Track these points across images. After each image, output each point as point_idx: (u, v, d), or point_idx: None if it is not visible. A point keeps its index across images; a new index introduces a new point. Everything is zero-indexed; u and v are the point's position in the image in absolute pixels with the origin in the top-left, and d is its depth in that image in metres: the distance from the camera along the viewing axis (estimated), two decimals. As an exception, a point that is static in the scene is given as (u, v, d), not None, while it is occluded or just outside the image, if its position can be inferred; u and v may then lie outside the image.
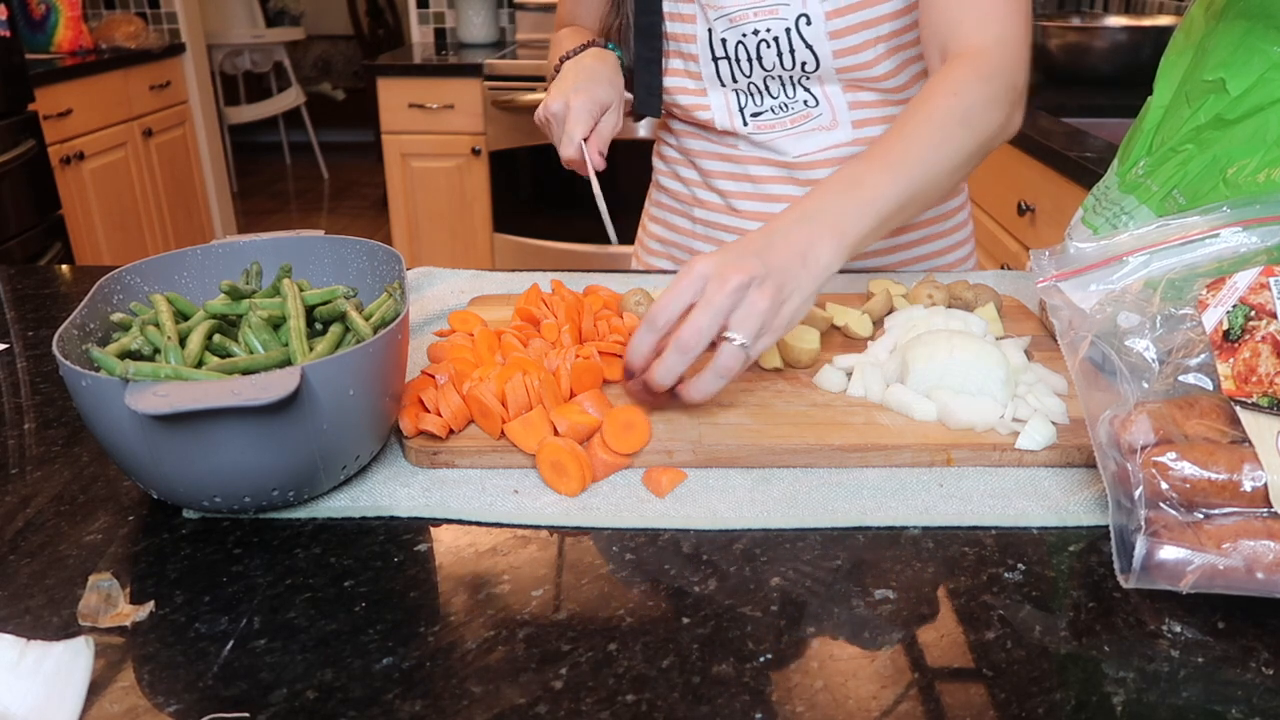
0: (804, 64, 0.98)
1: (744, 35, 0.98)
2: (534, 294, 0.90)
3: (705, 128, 1.08)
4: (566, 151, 0.97)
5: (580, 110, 0.96)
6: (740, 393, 0.76)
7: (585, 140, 0.96)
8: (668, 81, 1.07)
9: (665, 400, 0.72)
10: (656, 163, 1.21)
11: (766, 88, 1.02)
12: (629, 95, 1.08)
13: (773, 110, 1.03)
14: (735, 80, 1.02)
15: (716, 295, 0.66)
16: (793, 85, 1.01)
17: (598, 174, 0.98)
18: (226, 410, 0.55)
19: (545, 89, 1.09)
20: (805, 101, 1.02)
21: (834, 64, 0.97)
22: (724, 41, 1.00)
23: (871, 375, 0.76)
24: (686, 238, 1.16)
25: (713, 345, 0.68)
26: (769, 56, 0.98)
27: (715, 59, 1.01)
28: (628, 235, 1.32)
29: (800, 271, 0.69)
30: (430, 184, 3.27)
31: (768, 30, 0.97)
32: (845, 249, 0.72)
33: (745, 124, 1.04)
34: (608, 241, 1.01)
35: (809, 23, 0.95)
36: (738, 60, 1.00)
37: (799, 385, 0.78)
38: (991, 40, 0.85)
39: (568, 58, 1.05)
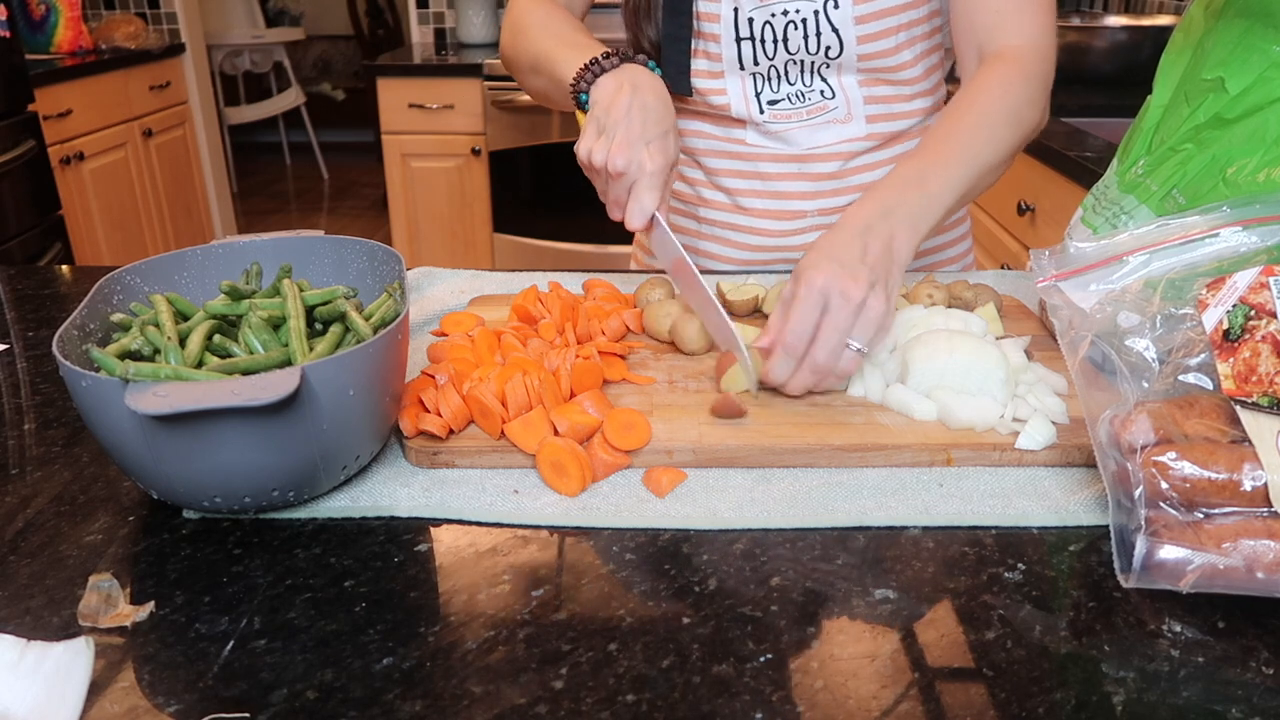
0: (828, 48, 0.98)
1: (772, 15, 0.98)
2: (531, 293, 0.90)
3: (715, 119, 1.08)
4: (635, 224, 0.83)
5: (657, 176, 0.82)
6: (743, 392, 0.76)
7: (658, 209, 0.83)
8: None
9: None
10: None
11: (786, 73, 1.02)
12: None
13: (789, 99, 1.03)
14: (756, 63, 1.01)
15: (841, 314, 0.72)
16: (812, 73, 1.01)
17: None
18: (226, 410, 0.55)
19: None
20: (822, 92, 1.02)
21: (857, 50, 0.98)
22: (751, 21, 0.99)
23: (871, 375, 0.76)
24: (692, 238, 1.16)
25: None
26: (795, 39, 0.98)
27: (739, 40, 1.00)
28: (627, 234, 1.32)
29: (892, 266, 0.75)
30: (430, 184, 3.27)
31: (796, 11, 0.97)
32: (918, 243, 0.78)
33: (761, 111, 1.04)
34: (609, 241, 0.99)
35: (836, 6, 0.96)
36: (762, 41, 0.99)
37: (799, 385, 0.78)
38: (1028, 42, 0.91)
39: (602, 70, 0.88)
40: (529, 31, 1.01)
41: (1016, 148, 0.89)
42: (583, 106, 0.89)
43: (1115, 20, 2.52)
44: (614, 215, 0.86)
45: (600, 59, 0.89)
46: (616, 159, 0.81)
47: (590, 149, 0.84)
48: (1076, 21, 2.52)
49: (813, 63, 1.00)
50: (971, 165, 0.83)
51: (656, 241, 0.85)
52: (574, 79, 0.89)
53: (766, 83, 1.02)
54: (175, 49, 3.89)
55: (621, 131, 0.82)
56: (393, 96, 3.18)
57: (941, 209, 0.80)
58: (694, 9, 1.01)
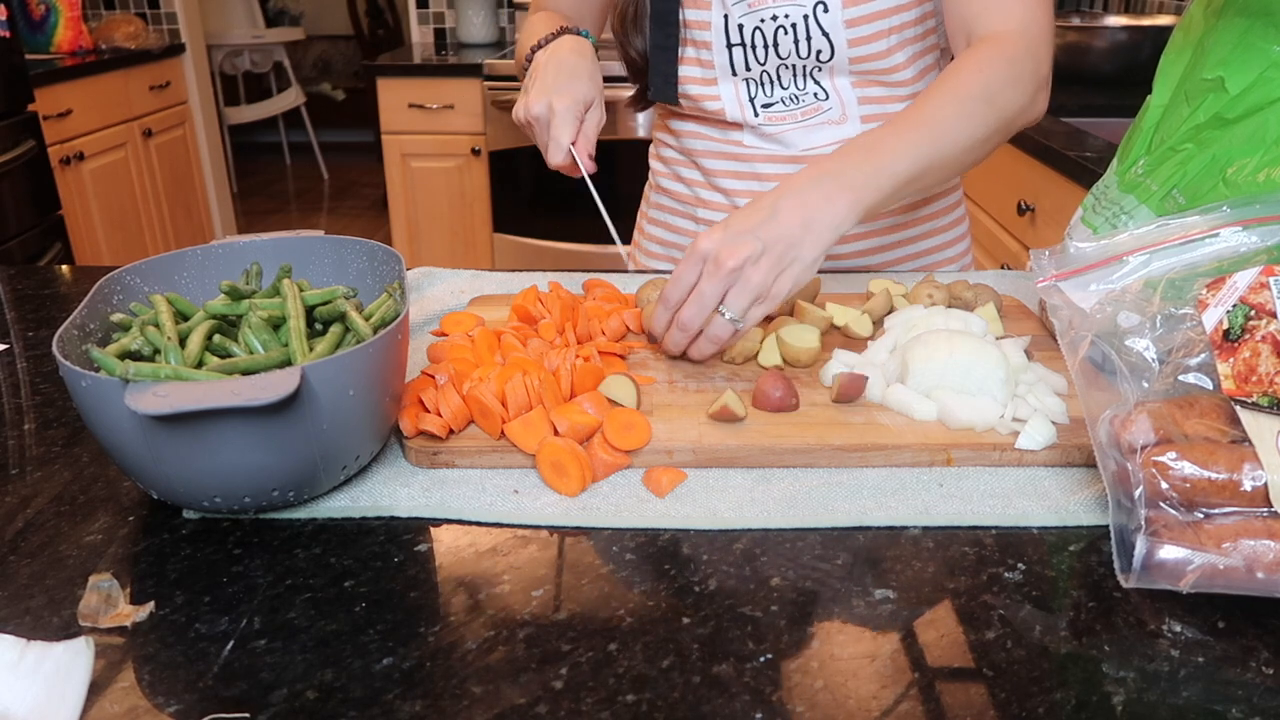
0: (819, 52, 0.98)
1: (762, 20, 0.98)
2: (531, 293, 0.90)
3: (712, 122, 1.08)
4: (555, 158, 0.94)
5: (565, 113, 0.92)
6: (740, 392, 0.76)
7: (573, 144, 0.93)
8: (680, 71, 1.06)
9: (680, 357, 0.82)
10: (655, 164, 1.20)
11: (778, 77, 1.02)
12: (604, 86, 1.06)
13: (783, 102, 1.03)
14: (748, 69, 1.02)
15: (712, 279, 0.74)
16: (804, 76, 1.01)
17: (590, 176, 0.96)
18: (226, 410, 0.55)
19: (519, 84, 1.07)
20: (815, 94, 1.02)
21: (848, 53, 0.98)
22: (740, 27, 0.99)
23: (871, 375, 0.76)
24: (689, 238, 1.16)
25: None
26: (785, 43, 0.98)
27: (730, 46, 1.01)
28: (625, 234, 1.32)
29: (803, 238, 0.74)
30: (430, 184, 3.27)
31: (785, 16, 0.97)
32: (858, 211, 0.76)
33: (756, 115, 1.04)
34: (609, 241, 1.00)
35: (826, 10, 0.96)
36: (753, 47, 1.00)
37: (799, 385, 0.78)
38: (1016, 26, 0.89)
39: (539, 47, 1.01)
40: (520, 44, 1.09)
41: (998, 127, 0.86)
42: None
43: (1115, 20, 2.52)
44: (548, 160, 0.95)
45: (542, 40, 1.01)
46: (532, 106, 0.93)
47: (516, 108, 0.96)
48: (1076, 21, 2.52)
49: (805, 66, 1.00)
50: (935, 139, 0.81)
51: (586, 178, 0.95)
52: (524, 59, 1.02)
53: (760, 87, 1.03)
54: (175, 49, 3.89)
55: (536, 85, 0.95)
56: (393, 96, 3.18)
57: (892, 179, 0.77)
58: (681, 18, 1.03)
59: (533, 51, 1.01)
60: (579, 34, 1.02)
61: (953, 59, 0.97)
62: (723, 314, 0.75)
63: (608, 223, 0.93)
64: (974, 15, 0.91)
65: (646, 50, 1.06)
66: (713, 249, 0.74)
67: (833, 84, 1.01)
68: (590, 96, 0.95)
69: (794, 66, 1.00)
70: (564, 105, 0.92)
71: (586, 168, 0.94)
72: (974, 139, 0.84)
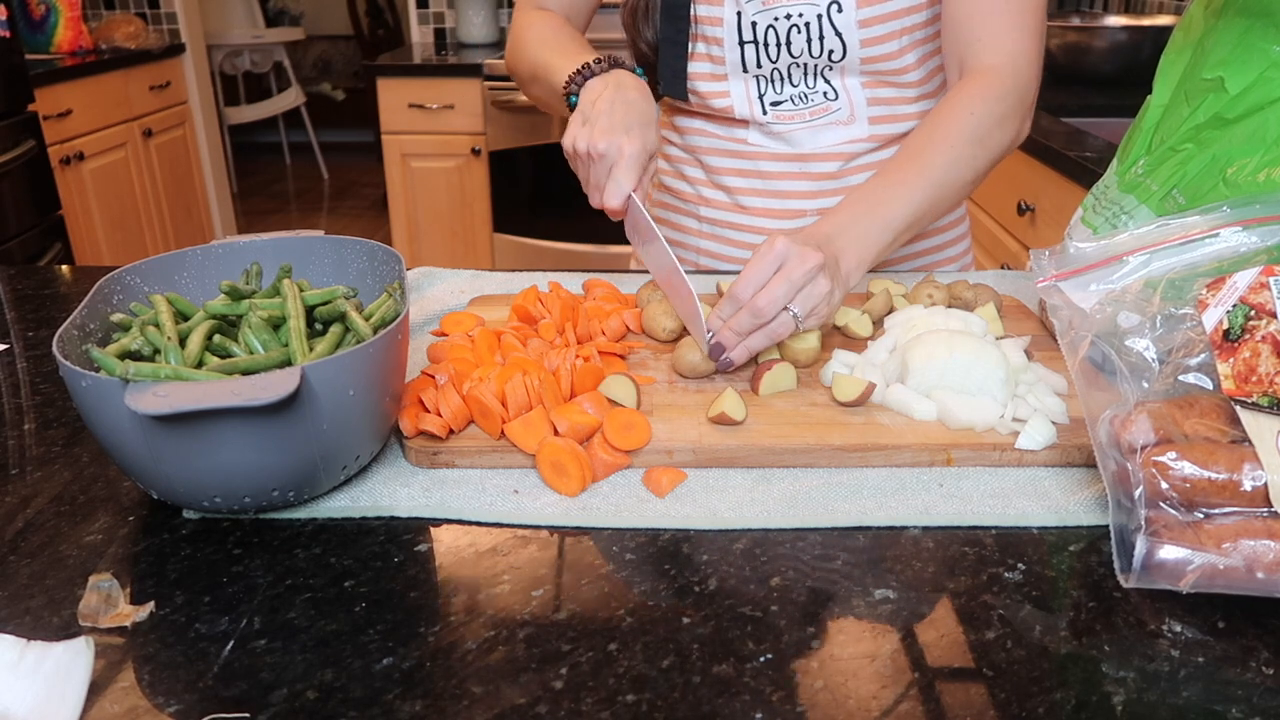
0: (831, 52, 0.98)
1: (775, 19, 0.98)
2: (531, 294, 0.90)
3: (718, 119, 1.08)
4: (613, 202, 0.87)
5: (634, 159, 0.86)
6: (741, 392, 0.76)
7: (634, 191, 0.87)
8: (689, 67, 1.05)
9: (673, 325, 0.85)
10: (659, 163, 1.21)
11: (789, 75, 1.02)
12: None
13: (792, 100, 1.03)
14: (759, 66, 1.02)
15: (796, 271, 0.76)
16: (815, 75, 1.01)
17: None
18: (226, 410, 0.55)
19: (544, 100, 1.03)
20: (825, 94, 1.02)
21: (860, 54, 0.98)
22: (754, 25, 0.99)
23: (871, 375, 0.76)
24: (693, 237, 1.16)
25: None
26: (798, 42, 0.98)
27: (742, 43, 1.01)
28: (622, 235, 1.32)
29: (837, 274, 0.80)
30: (430, 184, 3.27)
31: (800, 15, 0.97)
32: (865, 264, 0.83)
33: (764, 112, 1.04)
34: (610, 241, 0.99)
35: (840, 10, 0.96)
36: (765, 45, 1.00)
37: (799, 385, 0.78)
38: (1005, 59, 0.92)
39: (591, 74, 0.94)
40: (529, 45, 1.06)
41: (985, 166, 0.92)
42: (572, 107, 0.94)
43: (1115, 20, 2.52)
44: (594, 200, 0.90)
45: (591, 64, 0.94)
46: (598, 142, 0.87)
47: (574, 136, 0.90)
48: (1076, 21, 2.52)
49: (816, 65, 1.00)
50: (930, 187, 0.87)
51: (630, 225, 0.90)
52: (565, 82, 0.95)
53: (770, 85, 1.03)
54: (175, 49, 3.89)
55: (604, 120, 0.88)
56: (393, 96, 3.18)
57: (893, 233, 0.85)
58: (693, 13, 1.02)
59: (580, 77, 0.94)
60: (635, 72, 0.96)
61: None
62: (790, 309, 0.76)
63: (685, 280, 0.82)
64: (965, 44, 0.94)
65: (656, 44, 1.06)
66: (794, 249, 0.77)
67: (843, 84, 1.01)
68: (656, 147, 0.91)
69: (805, 65, 1.00)
70: (634, 150, 0.87)
71: (648, 224, 0.86)
72: (965, 180, 0.90)
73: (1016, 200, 1.96)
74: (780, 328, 0.77)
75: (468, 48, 3.56)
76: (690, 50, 1.04)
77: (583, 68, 0.95)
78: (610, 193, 0.87)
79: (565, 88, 0.95)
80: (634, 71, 0.95)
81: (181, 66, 3.94)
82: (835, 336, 0.88)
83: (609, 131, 0.87)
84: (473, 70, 3.10)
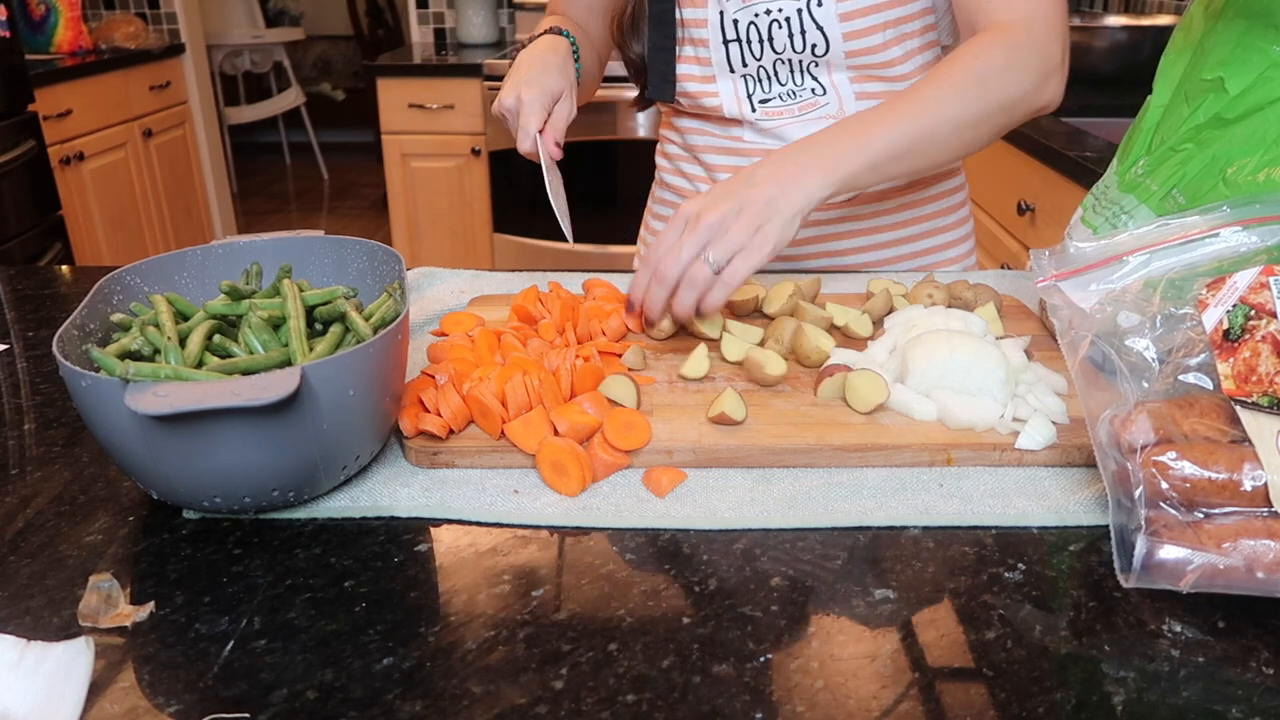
0: (814, 46, 0.99)
1: (756, 15, 0.99)
2: (531, 294, 0.90)
3: (711, 118, 1.09)
4: (523, 145, 0.96)
5: (532, 103, 0.95)
6: (741, 392, 0.76)
7: (540, 132, 0.96)
8: (678, 69, 1.07)
9: (665, 324, 0.86)
10: (660, 160, 1.21)
11: (775, 73, 1.02)
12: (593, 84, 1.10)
13: (780, 97, 1.04)
14: (745, 64, 1.03)
15: (691, 234, 0.77)
16: (801, 72, 1.02)
17: (558, 164, 0.98)
18: (226, 410, 0.55)
19: None
20: (813, 89, 1.02)
21: (843, 47, 0.98)
22: (735, 23, 1.00)
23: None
24: None
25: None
26: (780, 38, 0.99)
27: (726, 42, 1.02)
28: (631, 233, 1.32)
29: (780, 197, 0.78)
30: (430, 184, 3.27)
31: (780, 10, 0.97)
32: (834, 181, 0.80)
33: (754, 110, 1.05)
34: (610, 241, 1.01)
35: (820, 4, 0.96)
36: (748, 42, 1.01)
37: (800, 385, 0.78)
38: (1020, 17, 0.88)
39: (520, 47, 1.05)
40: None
41: (989, 111, 0.85)
42: None
43: (1115, 20, 2.52)
44: (518, 147, 0.98)
45: (527, 39, 1.05)
46: (504, 99, 0.98)
47: (494, 101, 1.00)
48: (1076, 21, 2.52)
49: (801, 61, 1.01)
50: (920, 119, 0.82)
51: (544, 167, 0.96)
52: (509, 62, 1.05)
53: (758, 83, 1.04)
54: (175, 49, 3.89)
55: (509, 81, 0.99)
56: (393, 96, 3.18)
57: (872, 154, 0.81)
58: (679, 17, 1.04)
59: (515, 53, 1.05)
60: (559, 34, 1.05)
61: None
62: (706, 257, 0.77)
63: (557, 211, 0.95)
64: (978, 9, 0.91)
65: (645, 53, 1.07)
66: (693, 210, 0.78)
67: (830, 79, 1.02)
68: (559, 88, 0.98)
69: (790, 61, 1.01)
70: (531, 95, 0.95)
71: (552, 154, 0.97)
72: (963, 119, 0.84)
73: (1016, 200, 1.96)
74: (697, 275, 0.77)
75: (468, 48, 3.56)
76: (678, 54, 1.06)
77: (516, 49, 1.06)
78: (519, 138, 0.97)
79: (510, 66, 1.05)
80: (559, 34, 1.05)
81: (181, 66, 3.94)
82: (835, 336, 0.88)
83: (512, 87, 0.98)
84: (473, 70, 3.10)
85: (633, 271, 1.15)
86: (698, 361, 0.79)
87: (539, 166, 0.96)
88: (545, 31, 1.06)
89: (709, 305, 0.79)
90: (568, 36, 1.05)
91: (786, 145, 0.83)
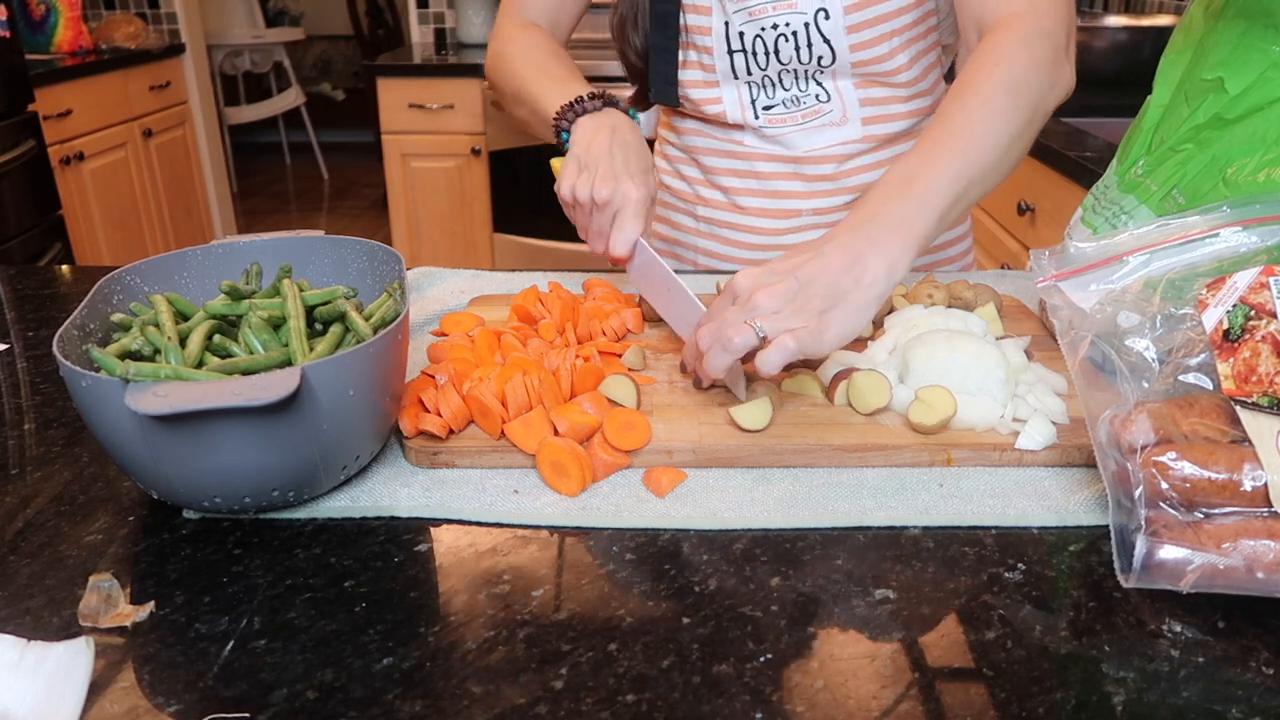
0: (820, 58, 0.98)
1: (762, 29, 0.98)
2: (531, 294, 0.90)
3: (713, 122, 1.08)
4: (620, 250, 0.85)
5: (639, 206, 0.85)
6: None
7: (641, 237, 0.86)
8: (681, 74, 1.06)
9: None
10: (658, 161, 1.21)
11: (780, 81, 1.02)
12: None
13: (784, 104, 1.03)
14: (750, 73, 1.02)
15: (740, 310, 0.68)
16: (806, 79, 1.01)
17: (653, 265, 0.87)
18: (226, 410, 0.55)
19: (528, 121, 0.99)
20: (817, 96, 1.02)
21: (850, 58, 0.98)
22: (741, 35, 1.00)
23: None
24: (691, 235, 1.16)
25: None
26: (786, 50, 0.98)
27: (731, 52, 1.01)
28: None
29: (845, 283, 0.68)
30: (430, 184, 3.27)
31: (786, 24, 0.97)
32: (910, 249, 0.70)
33: (757, 117, 1.04)
34: None
35: (827, 17, 0.95)
36: (754, 54, 1.00)
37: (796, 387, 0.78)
38: (1025, 5, 0.84)
39: (584, 110, 0.91)
40: (512, 61, 1.03)
41: (1031, 117, 0.80)
42: (563, 142, 0.92)
43: (1115, 20, 2.52)
44: (596, 247, 0.88)
45: (585, 99, 0.92)
46: (601, 190, 0.84)
47: (574, 184, 0.86)
48: (1077, 21, 2.52)
49: (806, 70, 1.00)
50: (969, 152, 0.75)
51: (638, 269, 0.87)
52: (556, 115, 0.93)
53: (761, 90, 1.03)
54: (175, 49, 3.89)
55: (604, 165, 0.86)
56: (393, 96, 3.18)
57: (936, 208, 0.72)
58: (682, 21, 1.03)
59: (572, 113, 0.92)
60: (629, 114, 0.94)
61: (957, 54, 0.96)
62: (754, 325, 0.67)
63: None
64: (980, 6, 0.87)
65: (645, 52, 1.06)
66: (748, 285, 0.69)
67: (835, 86, 1.01)
68: (655, 193, 0.89)
69: (795, 71, 1.01)
70: (640, 196, 0.85)
71: (661, 267, 0.85)
72: (1009, 136, 0.78)
73: (1016, 200, 1.96)
74: (738, 337, 0.67)
75: (468, 48, 3.56)
76: (681, 58, 1.05)
77: (575, 102, 0.92)
78: (618, 241, 0.85)
79: (556, 121, 0.93)
80: (627, 113, 0.93)
81: (181, 66, 3.94)
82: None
83: (611, 177, 0.85)
84: (473, 70, 3.10)
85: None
86: (757, 413, 0.71)
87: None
88: (604, 98, 0.93)
89: (764, 369, 0.67)
90: (635, 117, 0.95)
91: (846, 217, 0.73)
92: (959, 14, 0.92)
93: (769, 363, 0.66)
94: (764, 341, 0.67)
